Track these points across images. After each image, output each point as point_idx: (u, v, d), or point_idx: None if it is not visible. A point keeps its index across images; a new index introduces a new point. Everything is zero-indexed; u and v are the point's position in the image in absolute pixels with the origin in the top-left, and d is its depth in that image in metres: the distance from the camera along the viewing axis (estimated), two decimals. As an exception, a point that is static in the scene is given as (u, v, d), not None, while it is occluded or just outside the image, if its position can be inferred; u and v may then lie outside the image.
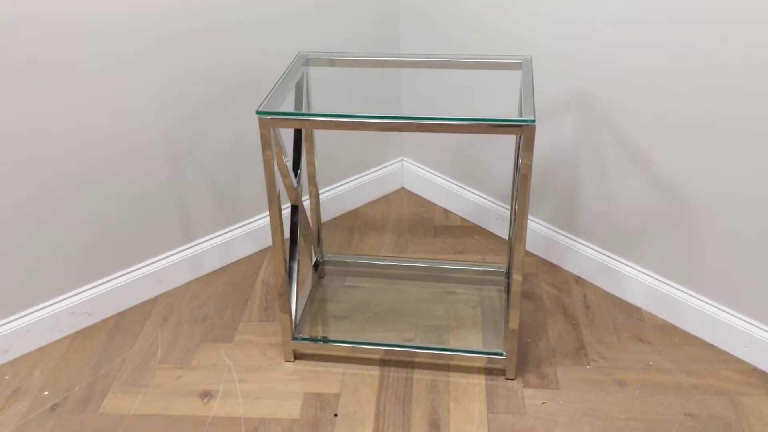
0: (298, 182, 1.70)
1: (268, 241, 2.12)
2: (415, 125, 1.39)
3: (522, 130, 1.35)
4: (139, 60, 1.69)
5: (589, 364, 1.67)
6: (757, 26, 1.41)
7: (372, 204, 2.36)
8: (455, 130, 1.38)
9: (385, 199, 2.39)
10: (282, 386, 1.63)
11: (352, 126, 1.41)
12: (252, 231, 2.09)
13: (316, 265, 1.96)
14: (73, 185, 1.70)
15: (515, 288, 1.51)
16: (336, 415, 1.55)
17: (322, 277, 1.96)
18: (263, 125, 1.41)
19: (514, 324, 1.56)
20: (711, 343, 1.72)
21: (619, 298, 1.89)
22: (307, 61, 1.67)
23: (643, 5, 1.57)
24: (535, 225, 2.05)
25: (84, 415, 1.56)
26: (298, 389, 1.62)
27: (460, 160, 2.21)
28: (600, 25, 1.67)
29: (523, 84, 1.49)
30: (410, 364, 1.68)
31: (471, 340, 1.73)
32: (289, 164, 1.63)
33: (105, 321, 1.85)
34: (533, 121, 1.34)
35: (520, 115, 1.38)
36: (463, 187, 2.24)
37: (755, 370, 1.64)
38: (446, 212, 2.30)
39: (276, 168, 1.47)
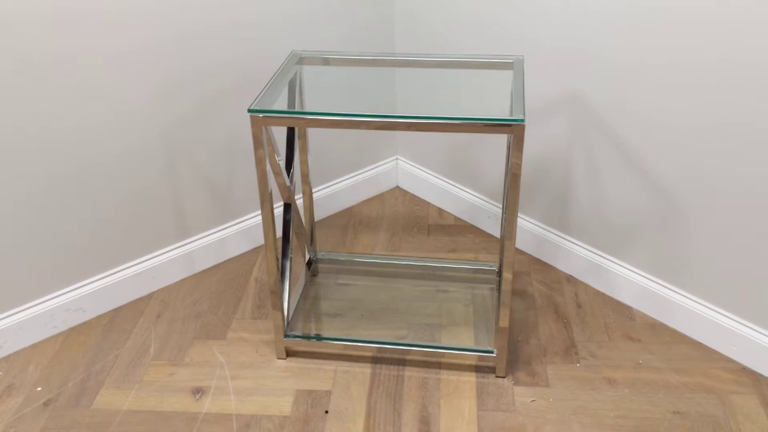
0: (291, 181, 1.70)
1: (261, 239, 2.12)
2: (405, 124, 1.39)
3: (512, 129, 1.36)
4: (135, 59, 1.70)
5: (579, 363, 1.68)
6: (751, 26, 1.41)
7: (366, 202, 2.37)
8: (446, 129, 1.39)
9: (379, 197, 2.40)
10: (274, 383, 1.64)
11: (345, 125, 1.42)
12: (246, 229, 2.10)
13: (309, 263, 1.96)
14: (69, 182, 1.71)
15: (505, 286, 1.52)
16: (327, 411, 1.56)
17: (316, 275, 1.97)
18: (255, 123, 1.42)
19: (504, 322, 1.56)
20: (701, 341, 1.73)
21: (610, 296, 1.90)
22: (301, 60, 1.68)
23: (635, 4, 1.58)
24: (527, 224, 2.05)
25: (77, 411, 1.57)
26: (290, 386, 1.63)
27: (454, 160, 2.22)
28: (592, 25, 1.68)
29: (514, 84, 1.50)
30: (402, 362, 1.69)
31: (462, 338, 1.74)
32: (282, 163, 1.64)
33: (99, 317, 1.86)
34: (523, 120, 1.35)
35: (511, 114, 1.39)
36: (457, 186, 2.25)
37: (744, 369, 1.65)
38: (440, 211, 2.31)
39: (268, 166, 1.48)
